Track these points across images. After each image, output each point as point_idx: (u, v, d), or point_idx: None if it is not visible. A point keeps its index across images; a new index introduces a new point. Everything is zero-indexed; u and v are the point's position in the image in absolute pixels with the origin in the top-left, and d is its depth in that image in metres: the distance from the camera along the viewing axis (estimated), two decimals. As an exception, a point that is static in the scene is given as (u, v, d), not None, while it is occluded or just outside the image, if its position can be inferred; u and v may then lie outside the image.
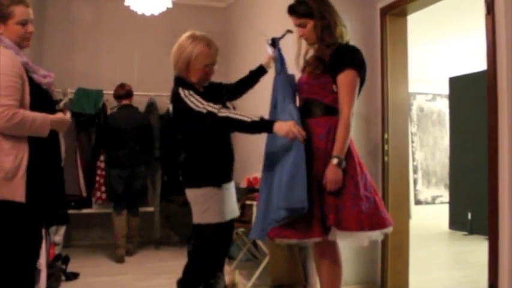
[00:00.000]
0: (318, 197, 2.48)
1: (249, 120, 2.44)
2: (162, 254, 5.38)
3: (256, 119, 2.45)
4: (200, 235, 2.68)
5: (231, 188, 2.75)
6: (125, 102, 5.29)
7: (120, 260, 4.99)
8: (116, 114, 5.29)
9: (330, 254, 2.63)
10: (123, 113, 5.23)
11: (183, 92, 2.54)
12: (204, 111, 2.46)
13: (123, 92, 5.27)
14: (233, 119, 2.44)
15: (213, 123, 2.48)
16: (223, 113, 2.45)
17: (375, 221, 2.50)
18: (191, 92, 2.53)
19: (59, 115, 2.37)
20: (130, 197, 5.25)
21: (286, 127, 2.40)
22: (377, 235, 2.54)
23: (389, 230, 2.59)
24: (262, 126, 2.49)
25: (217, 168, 2.66)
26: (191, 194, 2.67)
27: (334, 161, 2.45)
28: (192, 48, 2.57)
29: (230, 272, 3.94)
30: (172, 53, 2.64)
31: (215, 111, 2.45)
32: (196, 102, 2.49)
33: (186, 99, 2.51)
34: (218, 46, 2.67)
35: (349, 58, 2.53)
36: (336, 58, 2.54)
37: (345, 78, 2.50)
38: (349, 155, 2.53)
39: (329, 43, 2.58)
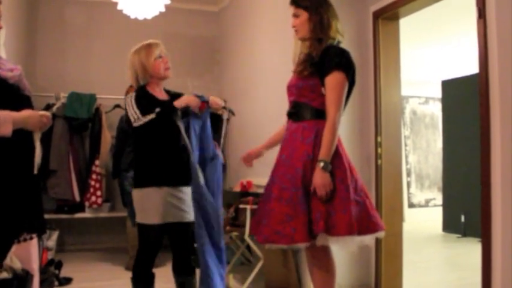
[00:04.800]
0: (305, 202, 2.45)
1: (154, 115, 2.74)
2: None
3: (157, 110, 2.75)
4: (139, 233, 2.96)
5: (177, 193, 2.89)
6: None
7: None
8: None
9: (322, 261, 2.59)
10: None
11: (129, 94, 2.95)
12: (132, 118, 2.80)
13: None
14: (144, 124, 2.76)
15: (134, 132, 2.87)
16: (137, 122, 2.78)
17: (365, 226, 2.46)
18: (132, 95, 2.87)
19: (26, 111, 2.12)
20: None
21: (185, 100, 2.83)
22: (368, 240, 2.51)
23: (380, 234, 2.56)
24: (166, 110, 2.77)
25: (157, 170, 2.85)
26: (134, 193, 2.96)
27: (320, 164, 2.42)
28: (139, 55, 2.97)
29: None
30: (129, 72, 3.00)
31: (132, 119, 2.79)
32: (130, 106, 2.81)
33: (127, 100, 2.88)
34: (158, 42, 3.02)
35: (336, 60, 2.52)
36: (323, 60, 2.54)
37: (332, 80, 2.49)
38: (338, 158, 2.50)
39: (320, 38, 2.59)
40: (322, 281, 2.60)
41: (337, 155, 2.50)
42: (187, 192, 2.90)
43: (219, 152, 3.02)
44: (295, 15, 2.69)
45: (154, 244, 2.97)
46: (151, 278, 3.00)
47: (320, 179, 2.41)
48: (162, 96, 2.98)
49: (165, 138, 2.87)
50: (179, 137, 2.82)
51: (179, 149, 2.89)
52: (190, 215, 2.91)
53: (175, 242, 3.05)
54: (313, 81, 2.55)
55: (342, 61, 2.53)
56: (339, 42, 2.66)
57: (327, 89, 2.51)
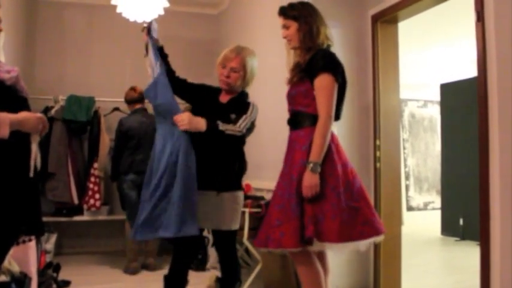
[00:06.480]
0: (299, 208, 2.46)
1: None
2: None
3: None
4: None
5: (211, 198, 2.83)
6: (138, 106, 5.02)
7: (134, 272, 4.77)
8: (131, 118, 4.98)
9: (305, 262, 2.58)
10: (138, 117, 4.92)
11: None
12: None
13: (137, 96, 4.98)
14: None
15: None
16: None
17: (358, 232, 2.45)
18: None
19: (23, 113, 2.09)
20: None
21: None
22: (362, 245, 2.51)
23: (378, 239, 2.55)
24: None
25: None
26: None
27: (309, 166, 2.44)
28: None
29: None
30: None
31: None
32: None
33: None
34: (232, 51, 2.90)
35: (322, 62, 2.54)
36: (311, 64, 2.56)
37: (320, 82, 2.51)
38: (331, 165, 2.50)
39: (309, 46, 2.62)
40: (308, 282, 2.59)
41: (330, 161, 2.51)
42: (227, 198, 2.79)
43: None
44: (285, 26, 2.71)
45: (188, 249, 2.86)
46: (183, 282, 2.91)
47: (308, 180, 2.43)
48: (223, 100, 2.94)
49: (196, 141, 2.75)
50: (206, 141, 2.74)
51: (211, 152, 2.77)
52: (230, 224, 2.80)
53: (217, 250, 2.95)
54: (305, 87, 2.58)
55: (327, 63, 2.55)
56: (328, 46, 2.68)
57: (316, 92, 2.53)
